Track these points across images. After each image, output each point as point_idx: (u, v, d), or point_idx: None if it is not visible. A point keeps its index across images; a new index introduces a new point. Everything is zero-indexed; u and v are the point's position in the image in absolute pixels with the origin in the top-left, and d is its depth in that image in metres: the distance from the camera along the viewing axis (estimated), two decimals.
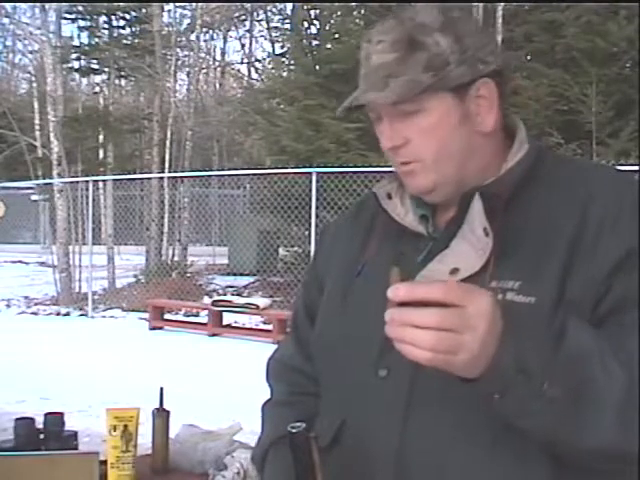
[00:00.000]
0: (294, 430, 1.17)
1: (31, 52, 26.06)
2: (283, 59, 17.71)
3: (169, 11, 19.06)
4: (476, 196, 1.14)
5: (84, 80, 23.08)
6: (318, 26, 14.11)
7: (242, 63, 27.19)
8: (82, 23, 15.96)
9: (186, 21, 20.76)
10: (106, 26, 15.67)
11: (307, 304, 1.41)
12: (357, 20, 13.42)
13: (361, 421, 1.19)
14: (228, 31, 25.89)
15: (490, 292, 0.95)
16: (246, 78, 25.98)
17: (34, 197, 20.28)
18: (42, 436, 1.83)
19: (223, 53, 28.16)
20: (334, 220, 1.55)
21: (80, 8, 15.43)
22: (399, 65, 1.13)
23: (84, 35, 17.21)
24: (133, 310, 12.00)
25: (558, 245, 1.09)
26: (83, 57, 16.14)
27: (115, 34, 15.71)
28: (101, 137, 15.81)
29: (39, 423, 1.86)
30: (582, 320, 1.03)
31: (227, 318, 10.26)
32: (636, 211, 1.10)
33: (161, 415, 1.84)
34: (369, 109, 1.19)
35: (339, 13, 13.49)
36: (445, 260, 1.14)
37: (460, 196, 1.16)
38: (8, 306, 12.92)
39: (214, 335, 9.93)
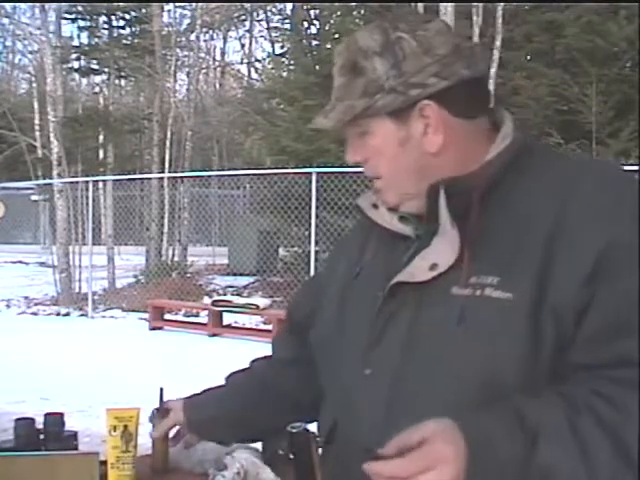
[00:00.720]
0: (294, 430, 1.18)
1: (31, 52, 26.11)
2: (283, 59, 17.73)
3: (169, 11, 19.08)
4: (440, 190, 1.15)
5: (84, 80, 23.12)
6: (318, 26, 14.12)
7: (242, 63, 27.22)
8: (82, 23, 15.96)
9: (186, 21, 20.80)
10: (106, 26, 15.66)
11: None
12: (357, 20, 13.40)
13: (349, 420, 1.20)
14: (228, 31, 25.89)
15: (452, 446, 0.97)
16: (246, 78, 26.00)
17: (34, 197, 20.27)
18: (42, 436, 1.82)
19: (223, 53, 28.19)
20: (343, 236, 1.61)
21: (80, 8, 15.42)
22: (344, 89, 1.18)
23: (84, 35, 17.26)
24: (133, 310, 11.99)
25: (535, 241, 1.08)
26: (83, 57, 16.14)
27: (115, 34, 15.70)
28: (101, 137, 15.80)
29: (39, 423, 1.85)
30: (558, 413, 1.00)
31: (227, 318, 10.25)
32: (620, 205, 1.08)
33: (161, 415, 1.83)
34: None
35: (339, 13, 13.48)
36: (427, 257, 1.15)
37: (426, 190, 1.17)
38: (8, 306, 12.92)
39: (214, 335, 9.93)
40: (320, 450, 1.26)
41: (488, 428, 0.99)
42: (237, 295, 12.18)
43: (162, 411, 1.62)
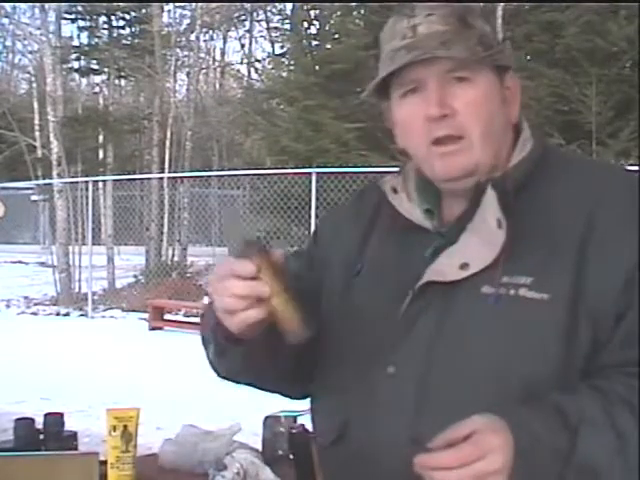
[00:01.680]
0: (294, 430, 1.17)
1: (31, 52, 26.02)
2: (283, 59, 17.71)
3: (169, 11, 19.08)
4: (489, 188, 1.13)
5: (84, 80, 23.06)
6: (318, 26, 14.11)
7: (242, 63, 27.19)
8: (82, 23, 16.01)
9: (186, 21, 20.73)
10: (106, 26, 15.69)
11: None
12: (357, 20, 13.41)
13: (368, 419, 1.16)
14: (228, 31, 25.85)
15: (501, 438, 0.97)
16: (246, 78, 25.98)
17: (34, 197, 20.24)
18: (42, 436, 1.83)
19: (223, 53, 28.16)
20: (330, 213, 1.56)
21: (80, 8, 15.45)
22: (454, 35, 1.14)
23: (84, 35, 17.25)
24: (133, 310, 11.99)
25: (568, 243, 1.09)
26: (83, 57, 16.17)
27: (115, 34, 15.72)
28: (101, 137, 15.82)
29: (39, 423, 1.86)
30: (598, 408, 1.02)
31: None
32: None
33: None
34: (408, 78, 1.15)
35: (339, 13, 13.49)
36: (454, 255, 1.13)
37: (473, 188, 1.15)
38: (8, 306, 12.92)
39: None
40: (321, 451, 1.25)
41: (532, 424, 0.99)
42: None
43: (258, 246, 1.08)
